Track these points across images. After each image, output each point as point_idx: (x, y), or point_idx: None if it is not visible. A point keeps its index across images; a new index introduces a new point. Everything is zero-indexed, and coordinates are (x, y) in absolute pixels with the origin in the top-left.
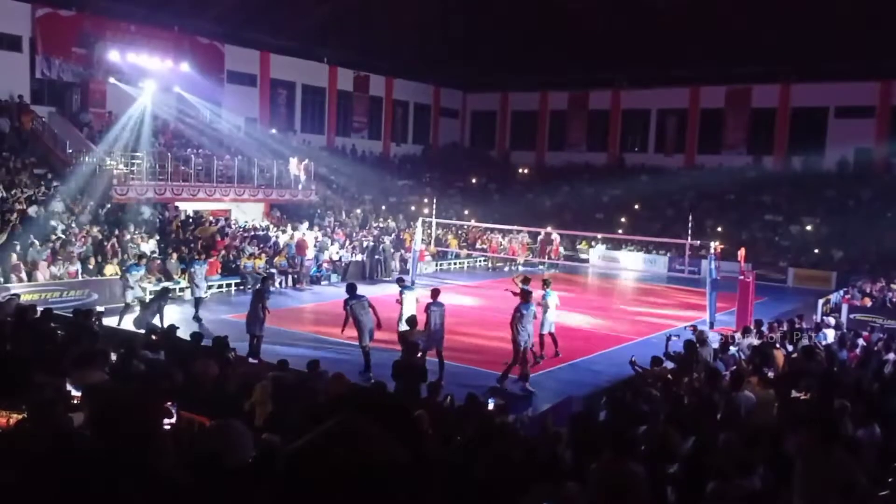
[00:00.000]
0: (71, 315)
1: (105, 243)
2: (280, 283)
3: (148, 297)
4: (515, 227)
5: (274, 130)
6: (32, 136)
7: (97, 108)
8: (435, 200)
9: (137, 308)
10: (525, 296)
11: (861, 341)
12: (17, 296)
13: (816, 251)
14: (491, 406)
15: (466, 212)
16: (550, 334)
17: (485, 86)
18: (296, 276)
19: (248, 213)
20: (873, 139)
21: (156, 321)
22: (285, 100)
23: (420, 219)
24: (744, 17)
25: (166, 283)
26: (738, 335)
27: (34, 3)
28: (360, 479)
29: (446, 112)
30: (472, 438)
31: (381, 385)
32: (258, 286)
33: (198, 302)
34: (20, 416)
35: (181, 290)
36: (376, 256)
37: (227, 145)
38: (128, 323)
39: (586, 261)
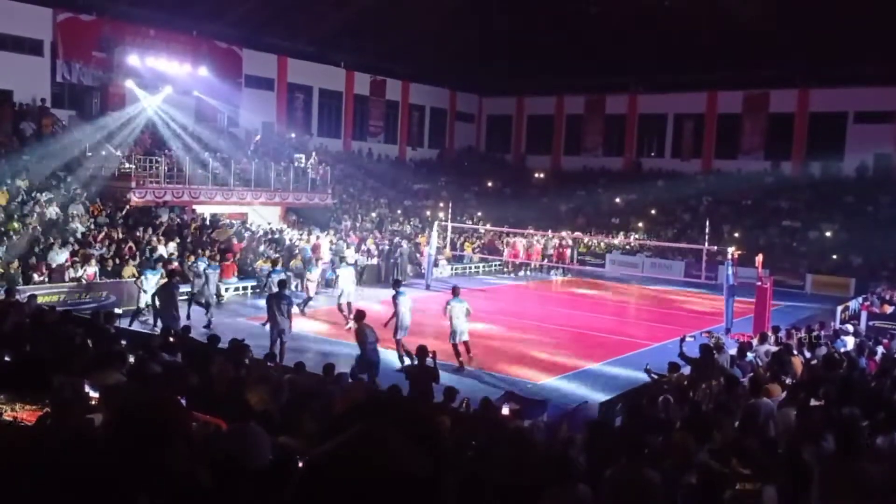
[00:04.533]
0: (89, 317)
1: (122, 246)
2: (295, 287)
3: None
4: (530, 231)
5: (293, 135)
6: (53, 139)
7: (116, 111)
8: (450, 204)
9: (151, 310)
10: (454, 291)
11: (880, 349)
12: (34, 297)
13: (835, 257)
14: (505, 411)
15: (479, 213)
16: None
17: (501, 90)
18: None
19: (264, 217)
20: (893, 145)
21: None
22: (302, 104)
23: (435, 223)
24: (762, 21)
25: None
26: (755, 341)
27: (55, 7)
28: (382, 490)
29: (462, 116)
30: (486, 443)
31: (397, 389)
32: (274, 290)
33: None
34: (42, 413)
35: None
36: (392, 260)
37: (244, 149)
38: (137, 325)
39: (602, 265)
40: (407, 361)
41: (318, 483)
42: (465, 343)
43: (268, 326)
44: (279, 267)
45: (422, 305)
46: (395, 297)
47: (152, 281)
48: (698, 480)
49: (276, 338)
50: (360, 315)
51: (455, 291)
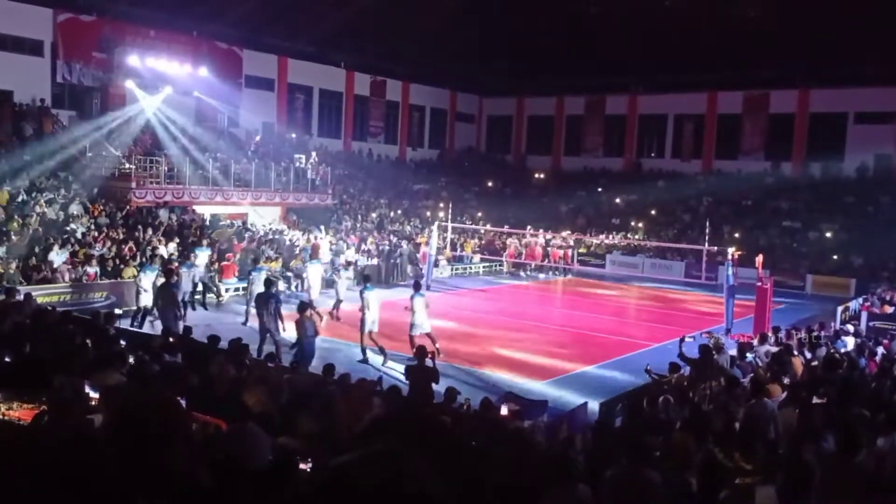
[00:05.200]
0: (89, 317)
1: (123, 246)
2: (296, 287)
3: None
4: (529, 232)
5: (293, 135)
6: (53, 140)
7: (117, 111)
8: (450, 205)
9: (155, 310)
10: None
11: (881, 349)
12: (31, 295)
13: (835, 258)
14: (504, 411)
15: (480, 214)
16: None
17: (501, 90)
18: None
19: (264, 217)
20: (893, 145)
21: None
22: (303, 104)
23: (436, 223)
24: (762, 22)
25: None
26: (755, 342)
27: (56, 8)
28: None
29: (462, 116)
30: (486, 444)
31: (396, 389)
32: (260, 290)
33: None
34: (38, 411)
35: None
36: (392, 261)
37: (244, 149)
38: (146, 326)
39: (602, 266)
40: (370, 355)
41: (333, 492)
42: (430, 335)
43: (249, 324)
44: (261, 265)
45: None
46: (361, 292)
47: (146, 281)
48: (699, 474)
49: (264, 337)
50: (302, 307)
51: (417, 286)
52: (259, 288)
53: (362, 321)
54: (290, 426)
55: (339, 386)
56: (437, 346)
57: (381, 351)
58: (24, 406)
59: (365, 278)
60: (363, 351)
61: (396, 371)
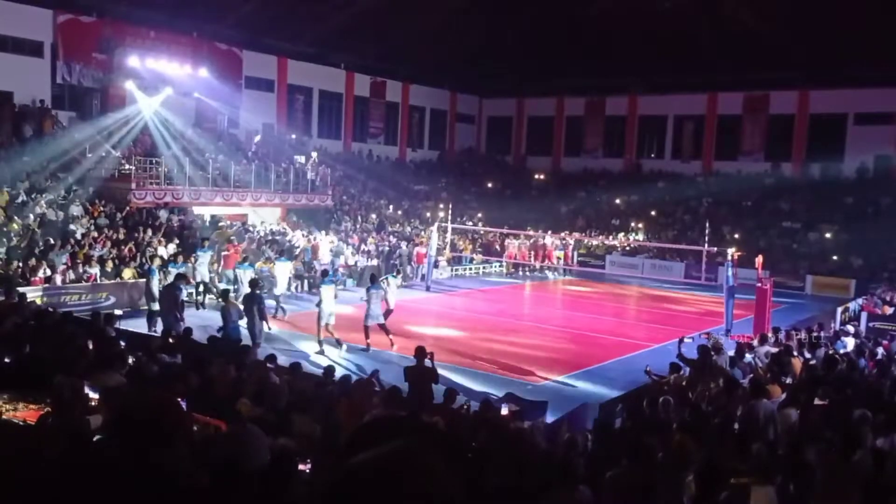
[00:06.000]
0: (89, 318)
1: (123, 247)
2: (295, 288)
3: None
4: (528, 233)
5: (293, 136)
6: (53, 141)
7: (117, 112)
8: (450, 205)
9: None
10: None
11: (881, 350)
12: (25, 296)
13: (835, 258)
14: (504, 411)
15: (480, 214)
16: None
17: (501, 91)
18: (311, 280)
19: (264, 218)
20: (893, 146)
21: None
22: (302, 105)
23: (436, 223)
24: (762, 23)
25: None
26: (755, 342)
27: (56, 9)
28: None
29: (462, 117)
30: (485, 444)
31: (396, 389)
32: (248, 291)
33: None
34: (43, 411)
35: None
36: (391, 261)
37: (244, 150)
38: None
39: (602, 267)
40: (326, 346)
41: (350, 492)
42: (383, 326)
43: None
44: (248, 262)
45: (422, 307)
46: (318, 286)
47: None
48: (698, 476)
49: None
50: (224, 294)
51: (372, 279)
52: (247, 287)
53: (318, 314)
54: (288, 427)
55: (340, 387)
56: (391, 337)
57: (338, 342)
58: (28, 407)
59: (323, 273)
60: (319, 343)
61: (351, 361)
